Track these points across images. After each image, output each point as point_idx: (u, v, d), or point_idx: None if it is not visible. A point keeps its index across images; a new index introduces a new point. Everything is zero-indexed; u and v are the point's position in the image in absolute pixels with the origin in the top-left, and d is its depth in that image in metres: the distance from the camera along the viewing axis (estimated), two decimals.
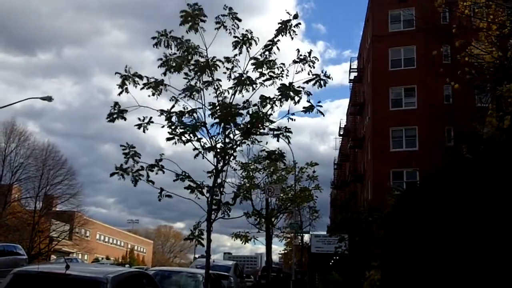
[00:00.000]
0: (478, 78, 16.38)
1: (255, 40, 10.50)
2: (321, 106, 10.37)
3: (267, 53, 10.52)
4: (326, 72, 10.38)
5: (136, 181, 10.32)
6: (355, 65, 58.41)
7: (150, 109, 10.49)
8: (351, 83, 59.58)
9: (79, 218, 69.48)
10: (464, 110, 32.01)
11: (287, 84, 10.36)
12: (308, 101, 10.41)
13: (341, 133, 71.14)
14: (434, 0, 17.10)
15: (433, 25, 34.69)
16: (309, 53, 10.44)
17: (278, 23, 10.43)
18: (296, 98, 10.34)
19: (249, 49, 10.55)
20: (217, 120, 10.53)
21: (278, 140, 10.52)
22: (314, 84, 10.32)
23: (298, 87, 10.34)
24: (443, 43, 32.52)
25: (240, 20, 10.44)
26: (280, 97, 10.38)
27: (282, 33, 10.42)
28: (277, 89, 10.41)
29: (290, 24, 10.37)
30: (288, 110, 10.51)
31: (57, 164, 61.06)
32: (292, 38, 10.42)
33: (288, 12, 10.37)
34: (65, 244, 68.51)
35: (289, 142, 10.46)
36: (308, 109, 10.37)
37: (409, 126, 43.57)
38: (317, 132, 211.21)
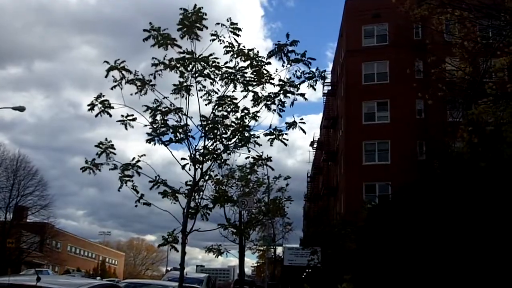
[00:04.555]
0: (449, 93, 16.56)
1: (248, 54, 10.41)
2: (303, 123, 10.36)
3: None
4: (321, 70, 10.44)
5: (121, 185, 10.21)
6: (328, 79, 58.77)
7: (135, 110, 10.35)
8: (325, 97, 59.91)
9: (50, 230, 68.50)
10: (436, 125, 32.38)
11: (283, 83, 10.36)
12: (294, 117, 10.41)
13: (315, 146, 71.42)
14: (415, 8, 16.94)
15: (406, 40, 35.14)
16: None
17: (275, 44, 10.31)
18: (291, 97, 10.36)
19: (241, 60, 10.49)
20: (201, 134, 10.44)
21: (271, 145, 10.36)
22: (309, 85, 10.35)
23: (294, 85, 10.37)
24: (416, 59, 32.95)
25: (239, 36, 10.35)
26: (274, 96, 10.36)
27: (276, 56, 10.27)
28: (277, 84, 10.36)
29: (286, 49, 10.21)
30: (270, 125, 10.48)
31: (28, 175, 60.03)
32: (284, 65, 10.32)
33: (287, 35, 10.17)
34: (35, 256, 67.47)
35: (285, 144, 10.34)
36: (291, 125, 10.33)
37: (382, 140, 43.95)
38: (284, 146, 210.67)
